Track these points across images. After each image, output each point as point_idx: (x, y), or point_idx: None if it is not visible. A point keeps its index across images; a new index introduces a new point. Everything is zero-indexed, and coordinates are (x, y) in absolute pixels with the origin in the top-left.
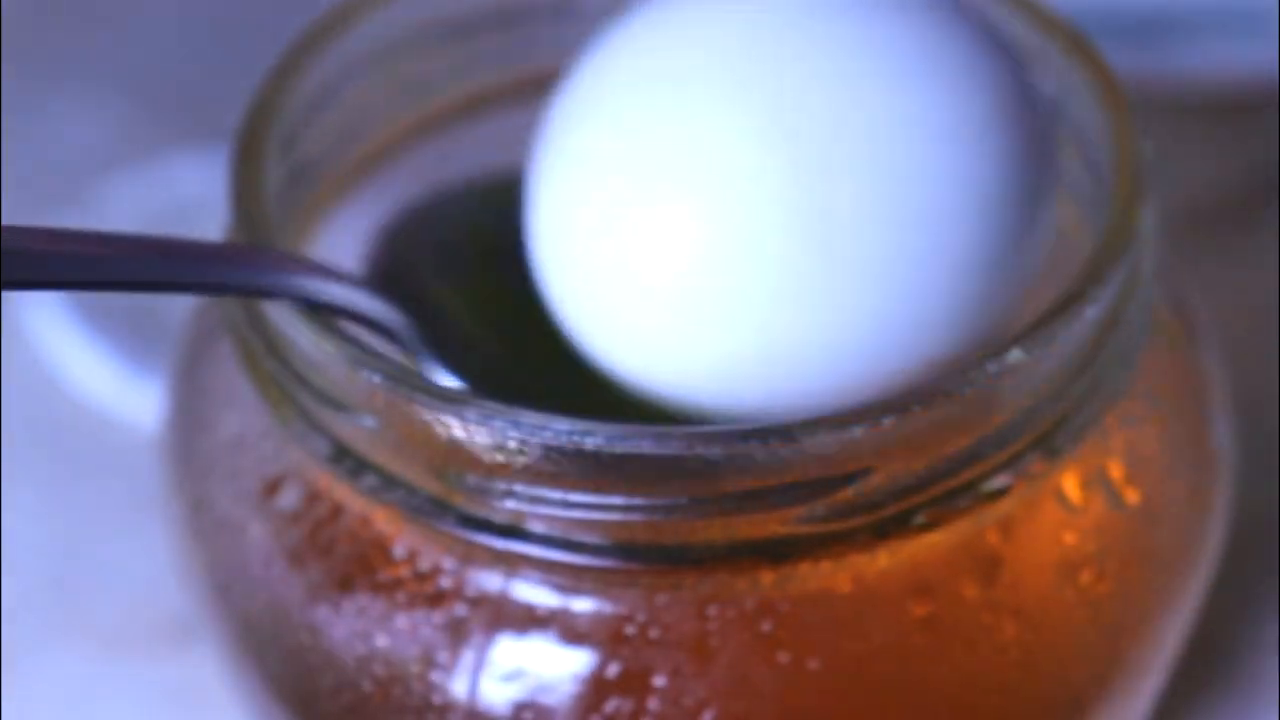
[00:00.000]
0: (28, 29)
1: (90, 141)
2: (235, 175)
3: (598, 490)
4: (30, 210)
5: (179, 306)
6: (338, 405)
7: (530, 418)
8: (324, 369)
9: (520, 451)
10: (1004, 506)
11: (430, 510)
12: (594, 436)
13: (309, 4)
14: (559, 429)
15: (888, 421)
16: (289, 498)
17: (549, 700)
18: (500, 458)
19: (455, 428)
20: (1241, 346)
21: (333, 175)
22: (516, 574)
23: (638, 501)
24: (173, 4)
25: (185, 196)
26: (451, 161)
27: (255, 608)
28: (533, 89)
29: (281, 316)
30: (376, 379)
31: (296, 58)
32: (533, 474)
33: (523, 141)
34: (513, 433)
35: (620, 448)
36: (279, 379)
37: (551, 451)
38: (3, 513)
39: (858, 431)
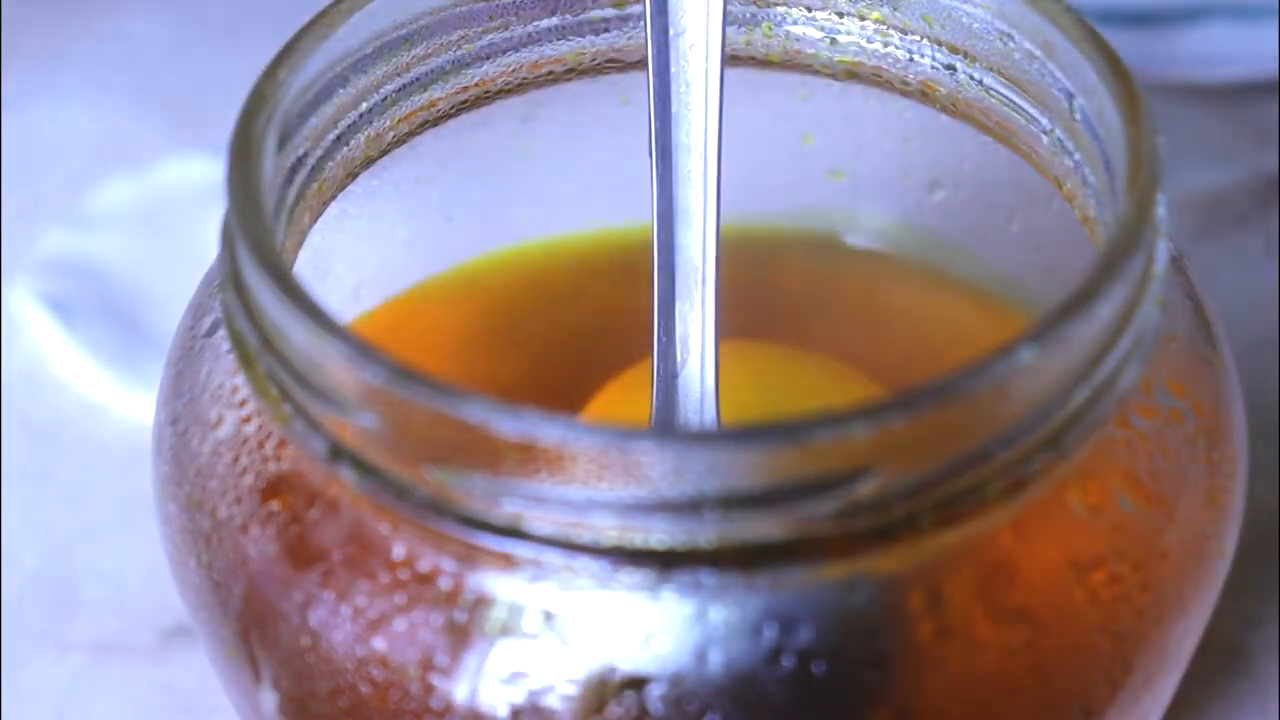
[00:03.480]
0: (28, 30)
1: (89, 142)
2: (231, 169)
3: (598, 491)
4: (30, 210)
5: (176, 306)
6: (336, 403)
7: (530, 417)
8: (322, 366)
9: (520, 451)
10: (1014, 507)
11: (429, 511)
12: (595, 437)
13: (310, 4)
14: (559, 429)
15: (895, 421)
16: (286, 498)
17: (549, 703)
18: (500, 457)
19: (454, 426)
20: (1241, 346)
21: (332, 170)
22: (516, 575)
23: (639, 502)
24: (172, 5)
25: (184, 196)
26: (453, 155)
27: (252, 610)
28: (534, 83)
29: (279, 313)
30: (375, 377)
31: (292, 52)
32: (532, 474)
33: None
34: (512, 432)
35: (621, 448)
36: (276, 377)
37: (551, 451)
38: (2, 513)
39: (864, 430)
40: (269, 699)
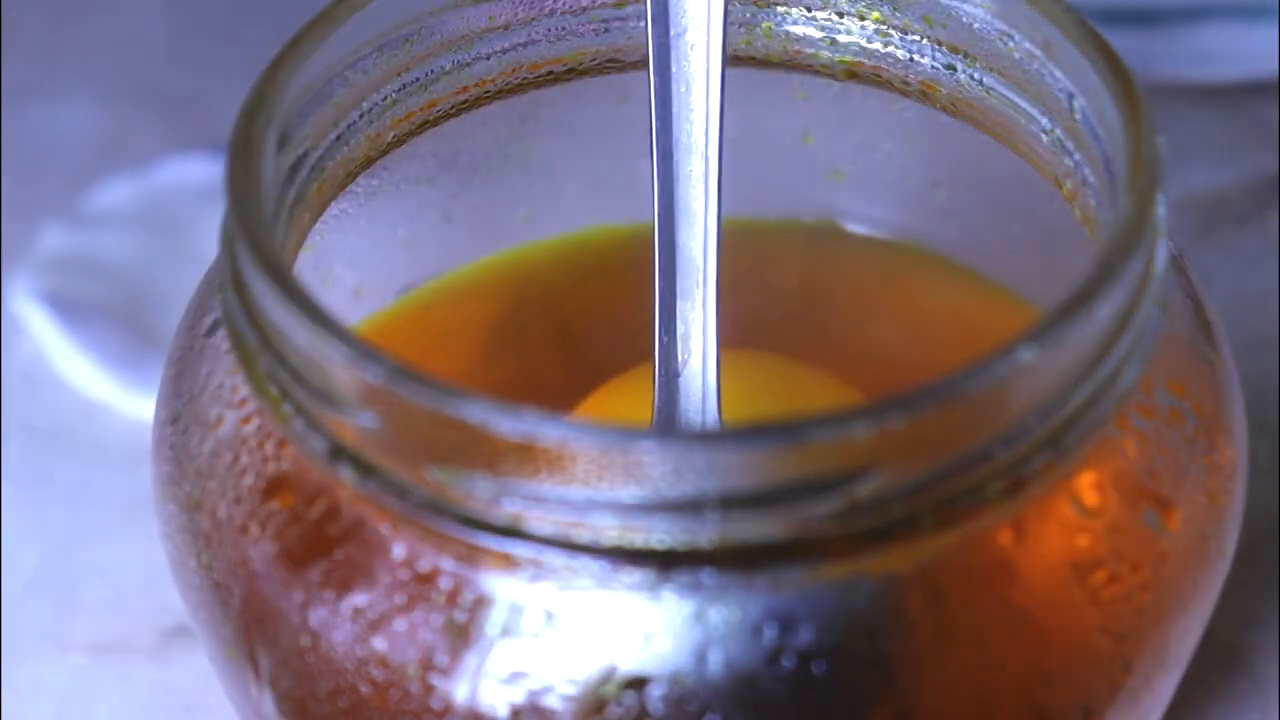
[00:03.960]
0: (27, 30)
1: (89, 141)
2: (231, 169)
3: (598, 491)
4: (30, 209)
5: (176, 306)
6: (336, 403)
7: (530, 417)
8: (322, 366)
9: (520, 451)
10: (1014, 507)
11: (429, 511)
12: (595, 437)
13: (310, 5)
14: (559, 429)
15: (895, 421)
16: (286, 498)
17: (549, 703)
18: (500, 457)
19: (454, 426)
20: (1241, 346)
21: (332, 170)
22: (516, 575)
23: (639, 502)
24: (172, 5)
25: (184, 196)
26: (453, 155)
27: (252, 610)
28: (534, 83)
29: (279, 313)
30: (375, 377)
31: (292, 52)
32: (532, 474)
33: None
34: (512, 432)
35: (621, 448)
36: (276, 377)
37: (551, 451)
38: (2, 513)
39: (864, 430)
40: (269, 699)
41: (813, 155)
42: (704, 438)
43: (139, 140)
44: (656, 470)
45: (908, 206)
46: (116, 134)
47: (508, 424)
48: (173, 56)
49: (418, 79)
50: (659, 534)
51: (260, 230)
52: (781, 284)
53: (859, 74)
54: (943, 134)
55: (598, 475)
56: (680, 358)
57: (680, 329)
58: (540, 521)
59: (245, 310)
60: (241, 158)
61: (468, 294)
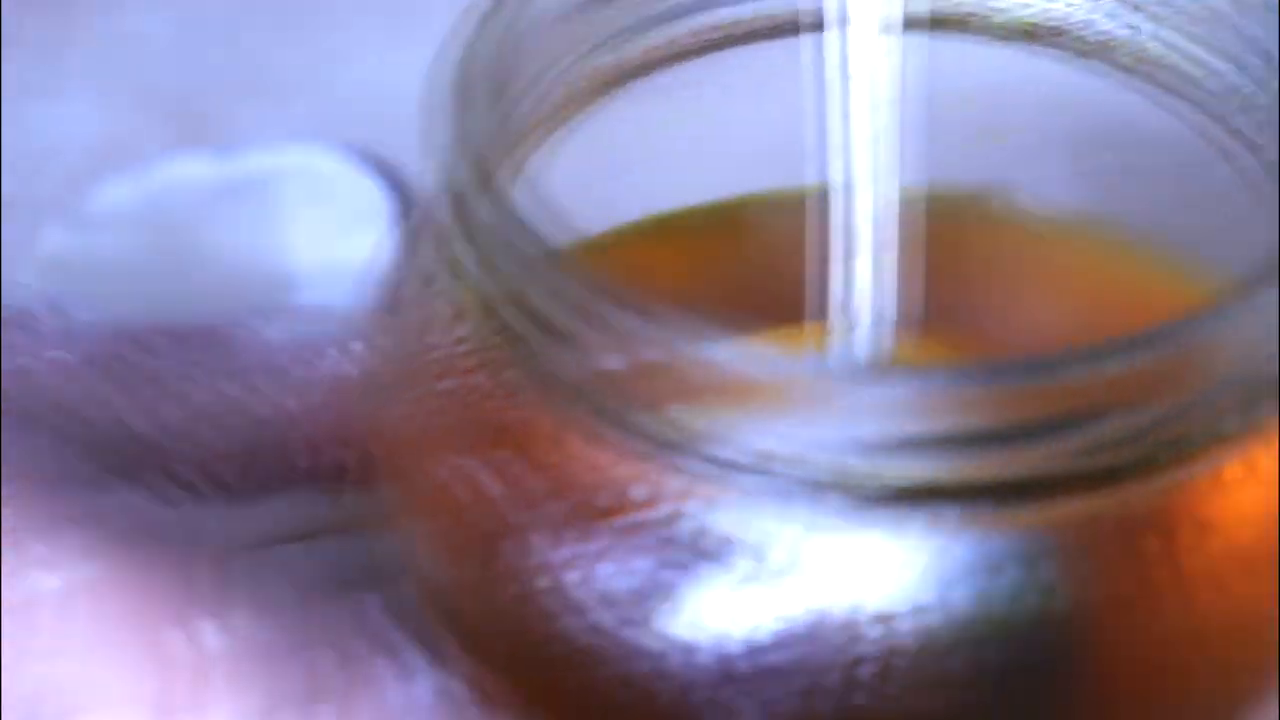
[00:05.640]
0: (27, 30)
1: (89, 141)
2: (454, 117)
3: (843, 429)
4: (30, 209)
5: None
6: (579, 348)
7: (780, 360)
8: (566, 312)
9: (768, 391)
10: (1237, 454)
11: (672, 451)
12: (844, 377)
13: (311, 4)
14: (807, 370)
15: (1144, 358)
16: (519, 446)
17: (791, 643)
18: (749, 397)
19: (705, 367)
20: None
21: (543, 116)
22: (761, 515)
23: (882, 440)
24: (173, 5)
25: (184, 196)
26: (650, 108)
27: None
28: (728, 39)
29: (520, 261)
30: (628, 319)
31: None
32: (779, 413)
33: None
34: (764, 373)
35: (870, 387)
36: (511, 327)
37: (800, 391)
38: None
39: (1113, 367)
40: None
41: (978, 121)
42: (949, 374)
43: (139, 140)
44: (901, 408)
45: (1077, 173)
46: (116, 134)
47: (760, 366)
48: (174, 57)
49: (617, 31)
50: (904, 470)
51: (493, 179)
52: (951, 251)
53: (1035, 35)
54: (1116, 98)
55: (845, 414)
56: (855, 313)
57: (858, 284)
58: (787, 461)
59: (480, 261)
60: (463, 105)
61: (660, 243)
